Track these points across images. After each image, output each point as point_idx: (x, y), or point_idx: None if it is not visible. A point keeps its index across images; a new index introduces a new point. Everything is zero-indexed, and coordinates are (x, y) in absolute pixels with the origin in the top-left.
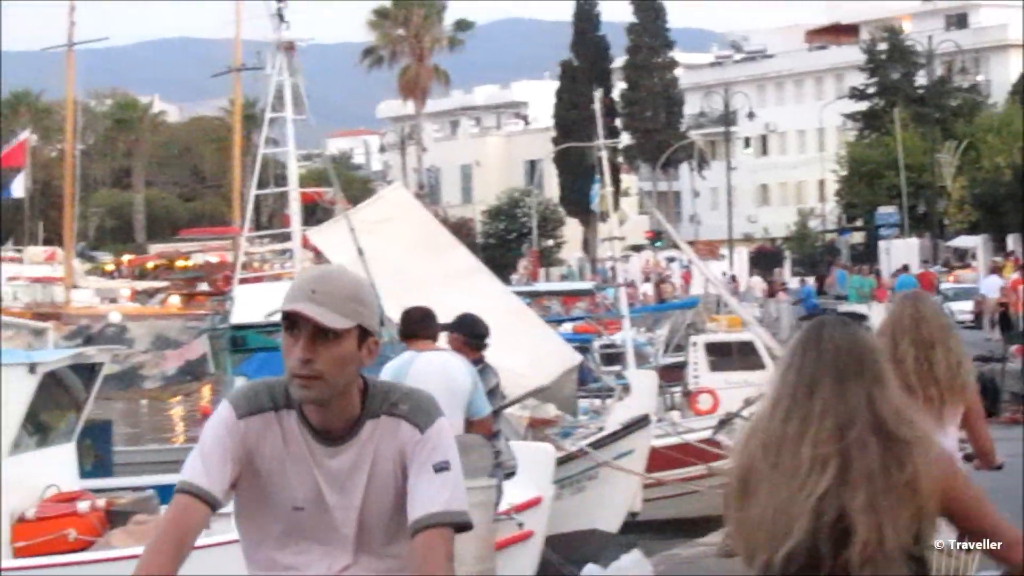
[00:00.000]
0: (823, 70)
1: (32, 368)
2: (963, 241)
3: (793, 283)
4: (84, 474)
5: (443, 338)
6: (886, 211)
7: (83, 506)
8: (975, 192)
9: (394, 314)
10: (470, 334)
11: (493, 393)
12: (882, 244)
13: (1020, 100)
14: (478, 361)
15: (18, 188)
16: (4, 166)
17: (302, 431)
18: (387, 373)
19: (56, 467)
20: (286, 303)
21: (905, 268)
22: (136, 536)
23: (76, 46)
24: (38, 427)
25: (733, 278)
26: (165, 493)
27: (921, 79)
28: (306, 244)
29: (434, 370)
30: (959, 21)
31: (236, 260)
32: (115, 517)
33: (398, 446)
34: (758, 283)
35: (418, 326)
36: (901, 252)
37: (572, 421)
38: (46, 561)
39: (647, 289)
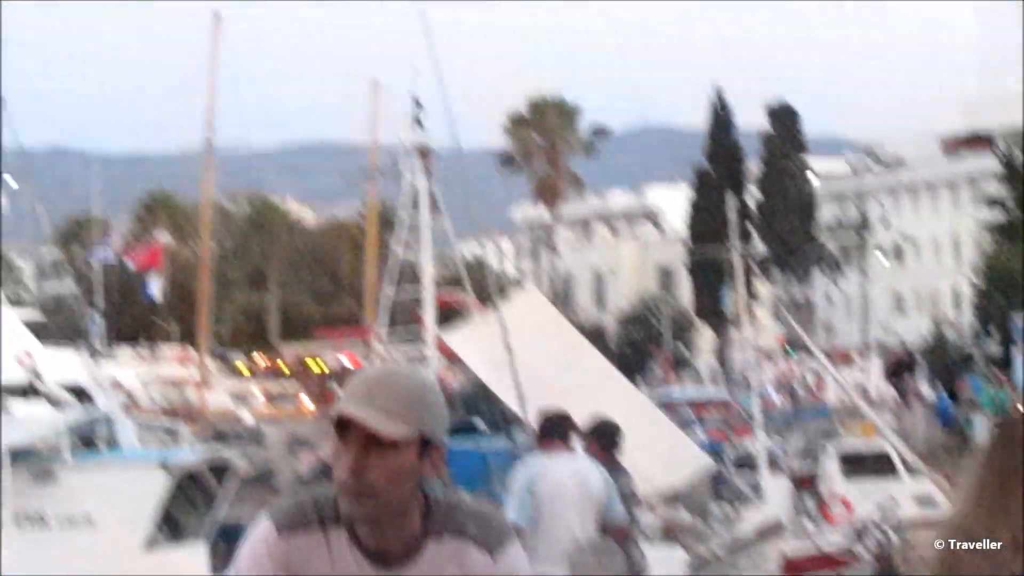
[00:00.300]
0: (959, 178)
1: (166, 467)
2: None
3: (928, 392)
4: None
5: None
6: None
7: None
8: None
9: (529, 416)
10: (605, 439)
11: (628, 498)
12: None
13: None
14: (613, 465)
15: (155, 289)
16: (141, 268)
17: (353, 552)
18: (519, 477)
19: (189, 566)
20: (339, 404)
21: None
22: None
23: (215, 149)
24: (171, 526)
25: (865, 388)
26: None
27: None
28: (441, 346)
29: (567, 474)
30: None
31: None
32: None
33: (465, 573)
34: (889, 392)
35: (553, 429)
36: None
37: (704, 527)
38: None
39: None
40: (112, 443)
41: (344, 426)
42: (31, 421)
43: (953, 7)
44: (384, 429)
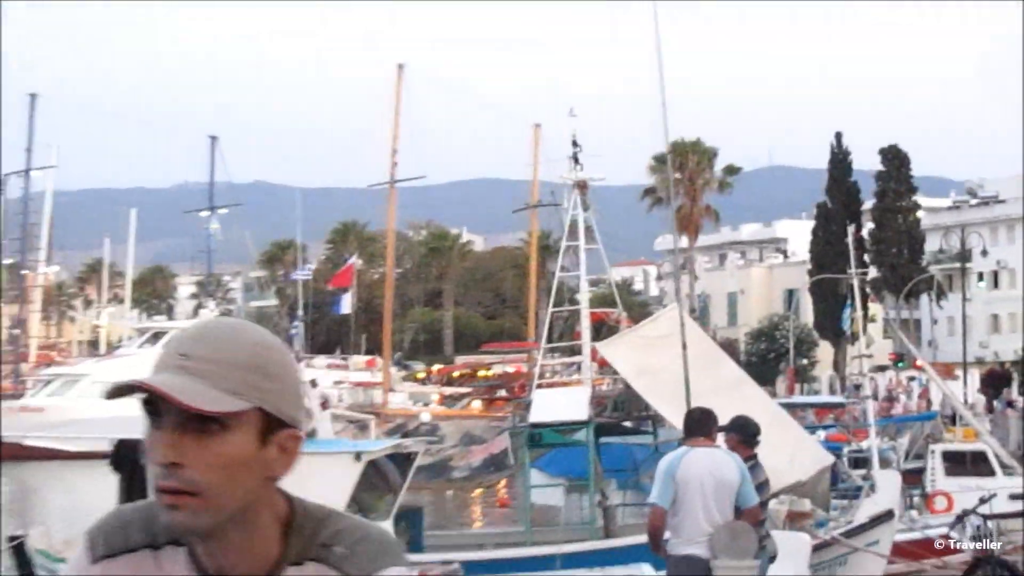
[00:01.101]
0: None
1: (358, 456)
2: None
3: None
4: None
5: (720, 439)
6: None
7: None
8: None
9: (674, 418)
10: (744, 433)
11: (762, 487)
12: None
13: None
14: (750, 458)
15: (346, 306)
16: (334, 286)
17: None
18: (664, 465)
19: None
20: (143, 374)
21: None
22: None
23: (397, 184)
24: (361, 508)
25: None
26: (468, 568)
27: None
28: (594, 356)
29: (705, 464)
30: None
31: (532, 370)
32: None
33: None
34: (981, 400)
35: (697, 425)
36: None
37: (825, 515)
38: None
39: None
40: (312, 435)
41: (155, 406)
42: None
43: None
44: (202, 403)
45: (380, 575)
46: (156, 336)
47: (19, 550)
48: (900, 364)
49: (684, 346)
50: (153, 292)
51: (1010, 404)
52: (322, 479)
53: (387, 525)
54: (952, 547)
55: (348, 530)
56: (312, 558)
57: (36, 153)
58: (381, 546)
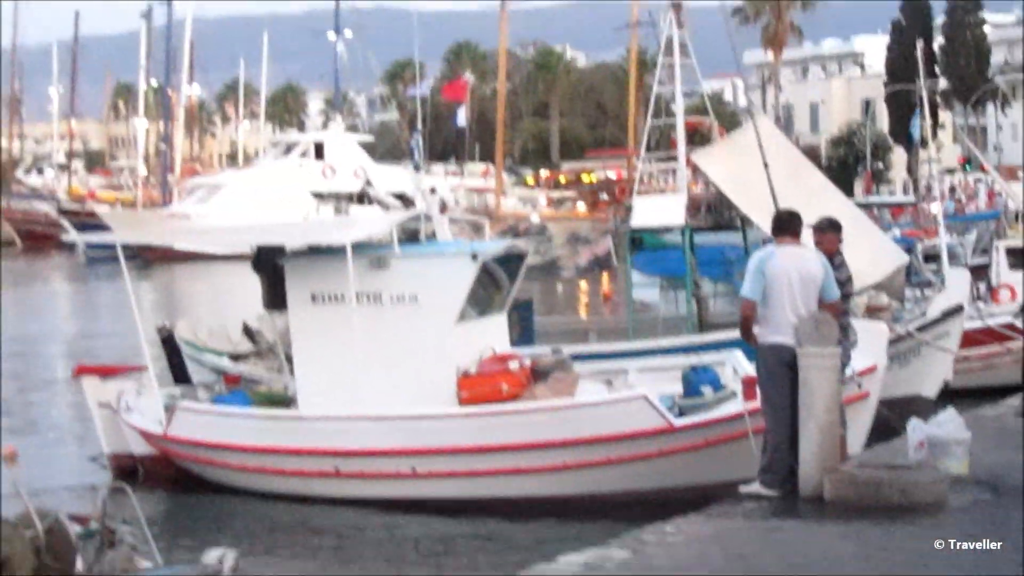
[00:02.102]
0: None
1: (474, 256)
2: None
3: None
4: (513, 342)
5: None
6: None
7: (513, 365)
8: None
9: (762, 221)
10: (828, 233)
11: (845, 283)
12: None
13: None
14: (835, 255)
15: (461, 118)
16: (447, 98)
17: None
18: (754, 262)
19: (492, 334)
20: None
21: None
22: (555, 390)
23: (508, 2)
24: (478, 303)
25: None
26: (575, 358)
27: None
28: (689, 163)
29: (792, 261)
30: None
31: (632, 177)
32: (538, 375)
33: None
34: None
35: (785, 225)
36: None
37: (900, 308)
38: (485, 410)
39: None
40: (431, 237)
41: None
42: (367, 221)
43: None
44: None
45: None
46: (288, 148)
47: (168, 342)
48: (967, 167)
49: (765, 165)
50: (286, 108)
51: None
52: (441, 276)
53: (502, 318)
54: (1015, 333)
55: None
56: None
57: None
58: None
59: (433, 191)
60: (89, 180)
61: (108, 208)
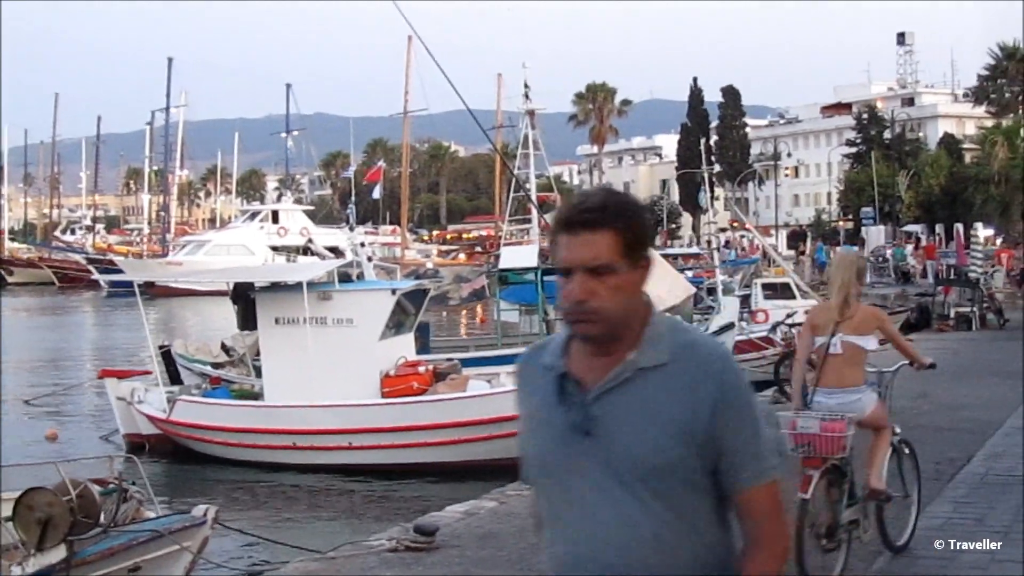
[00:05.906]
0: (831, 129)
1: (393, 291)
2: (911, 228)
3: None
4: (418, 352)
5: None
6: (866, 210)
7: (421, 369)
8: (918, 200)
9: None
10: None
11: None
12: (863, 229)
13: (944, 148)
14: None
15: (376, 193)
16: (368, 180)
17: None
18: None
19: (404, 346)
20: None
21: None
22: (452, 386)
23: (409, 113)
24: (395, 324)
25: (775, 247)
26: (461, 363)
27: (887, 135)
28: (542, 225)
29: None
30: (910, 101)
31: (499, 234)
32: (439, 376)
33: None
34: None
35: None
36: (873, 235)
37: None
38: (402, 400)
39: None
40: (360, 277)
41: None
42: (315, 265)
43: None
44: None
45: None
46: (253, 215)
47: (167, 354)
48: (734, 228)
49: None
50: (251, 187)
51: (802, 253)
52: (368, 306)
53: (410, 336)
54: (767, 344)
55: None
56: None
57: (172, 97)
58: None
59: (363, 245)
60: (108, 238)
61: (123, 257)
